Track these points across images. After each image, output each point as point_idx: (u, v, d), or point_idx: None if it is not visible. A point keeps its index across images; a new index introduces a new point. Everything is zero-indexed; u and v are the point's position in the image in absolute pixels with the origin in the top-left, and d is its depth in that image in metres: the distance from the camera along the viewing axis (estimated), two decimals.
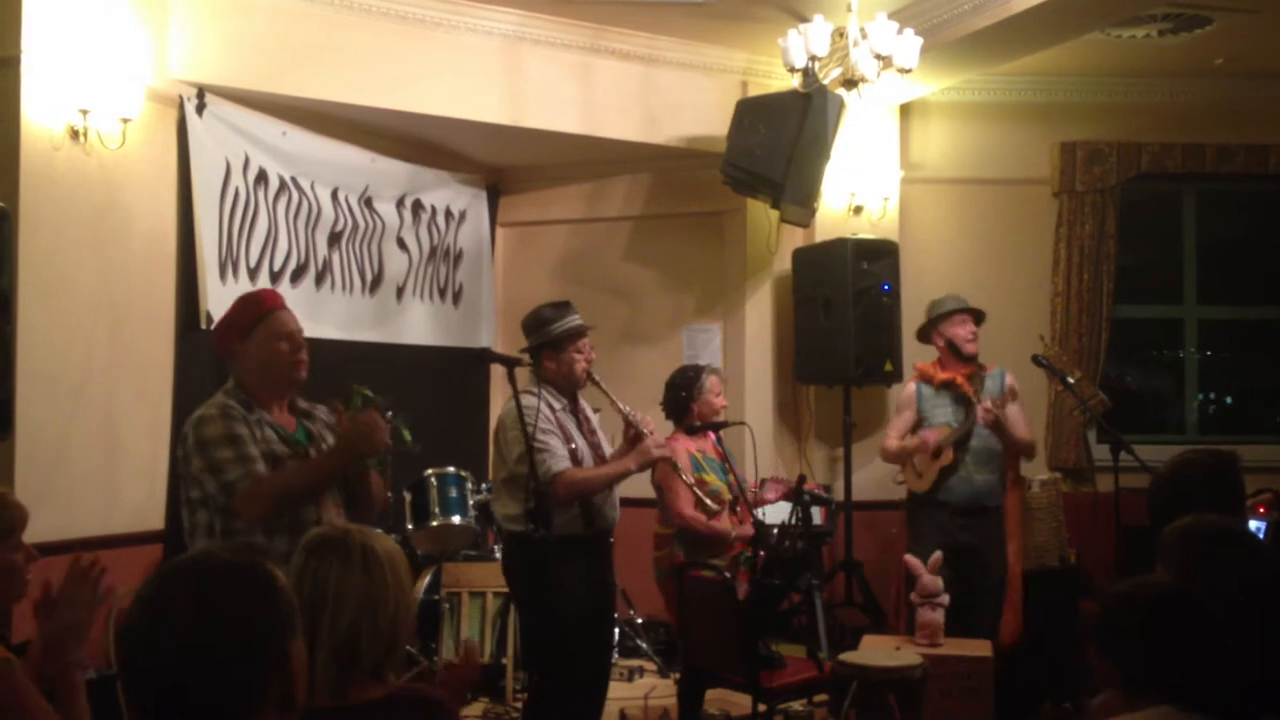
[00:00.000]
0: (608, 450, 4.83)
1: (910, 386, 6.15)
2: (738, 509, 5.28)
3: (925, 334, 6.13)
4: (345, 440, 3.73)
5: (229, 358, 3.91)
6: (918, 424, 6.04)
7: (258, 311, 3.82)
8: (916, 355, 6.45)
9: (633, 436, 4.71)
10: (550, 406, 4.65)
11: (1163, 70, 7.38)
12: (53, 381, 5.15)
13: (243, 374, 3.81)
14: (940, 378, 5.99)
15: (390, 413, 3.89)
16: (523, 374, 4.59)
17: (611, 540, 4.91)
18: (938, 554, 5.22)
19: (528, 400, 4.49)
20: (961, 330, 5.96)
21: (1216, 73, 7.34)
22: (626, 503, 4.91)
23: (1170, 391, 8.21)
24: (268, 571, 1.68)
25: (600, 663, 4.85)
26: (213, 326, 3.86)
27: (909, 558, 5.28)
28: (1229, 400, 8.45)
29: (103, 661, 5.08)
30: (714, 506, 4.92)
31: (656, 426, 4.89)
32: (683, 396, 5.43)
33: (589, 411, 4.91)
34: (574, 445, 4.66)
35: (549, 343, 4.72)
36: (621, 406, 4.74)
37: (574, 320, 4.75)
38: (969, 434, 5.83)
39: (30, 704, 2.54)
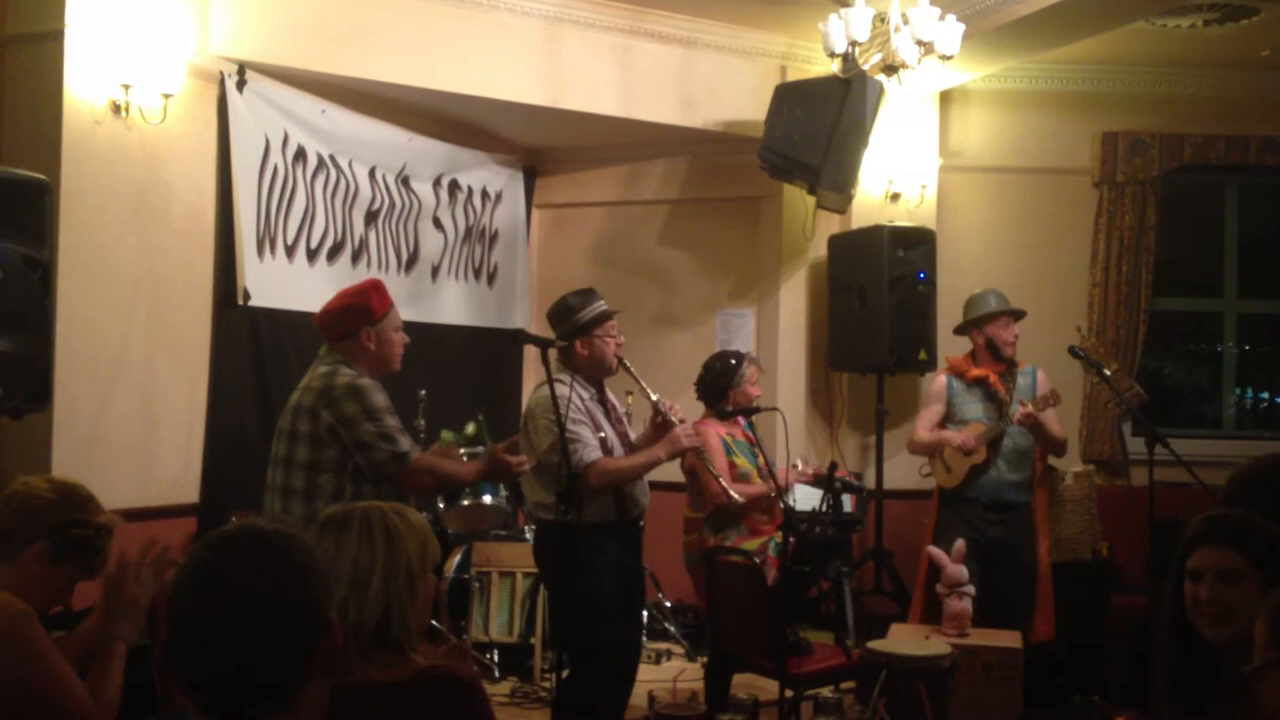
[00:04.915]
0: (630, 437, 4.83)
1: (940, 379, 6.11)
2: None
3: (965, 330, 6.09)
4: (493, 470, 4.26)
5: (342, 338, 4.16)
6: (946, 417, 6.01)
7: (388, 303, 4.21)
8: (951, 344, 6.41)
9: (660, 423, 4.69)
10: (580, 395, 4.64)
11: (1207, 61, 7.29)
12: (91, 354, 5.20)
13: (359, 355, 4.12)
14: (973, 374, 5.95)
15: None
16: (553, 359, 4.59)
17: (641, 525, 4.92)
18: (960, 543, 5.20)
19: (560, 389, 4.42)
20: (1004, 333, 5.91)
21: (1262, 64, 7.25)
22: (657, 487, 4.92)
23: (1208, 386, 8.14)
24: (307, 542, 1.71)
25: (631, 646, 4.86)
26: (333, 306, 4.25)
27: (932, 549, 5.27)
28: (1266, 395, 8.37)
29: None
30: (739, 499, 4.91)
31: (686, 410, 4.88)
32: (721, 382, 5.41)
33: (615, 400, 4.91)
34: (603, 434, 4.65)
35: (578, 329, 4.69)
36: (650, 393, 4.73)
37: (600, 305, 4.73)
38: (1003, 433, 5.80)
39: (45, 657, 2.57)
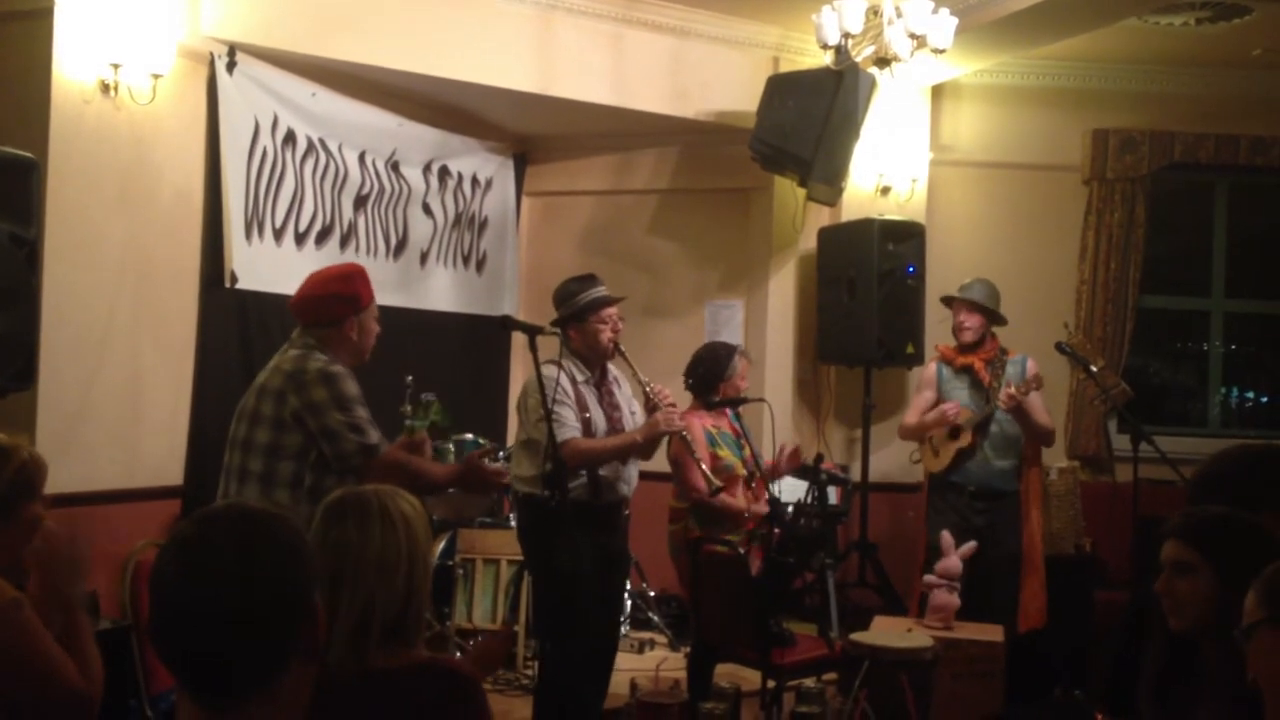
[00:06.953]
0: (632, 423, 4.84)
1: (931, 366, 6.18)
2: (753, 485, 5.27)
3: (948, 303, 6.20)
4: (469, 477, 4.26)
5: (324, 324, 4.01)
6: (936, 403, 6.05)
7: (371, 291, 4.10)
8: (939, 338, 6.44)
9: (652, 409, 4.73)
10: (571, 379, 4.67)
11: (1199, 60, 7.30)
12: (77, 334, 5.18)
13: (338, 342, 4.00)
14: (960, 361, 6.00)
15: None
16: (550, 344, 4.59)
17: (626, 513, 4.94)
18: (972, 544, 5.25)
19: (548, 370, 4.51)
20: (955, 319, 6.04)
21: (1253, 64, 7.26)
22: (643, 476, 4.92)
23: (1194, 384, 8.16)
24: (295, 523, 1.70)
25: (607, 630, 4.88)
26: (318, 291, 4.09)
27: (945, 534, 5.29)
28: (1252, 395, 8.40)
29: (115, 612, 5.14)
30: (717, 483, 4.91)
31: (675, 398, 4.88)
32: (712, 373, 5.40)
33: (615, 385, 4.91)
34: (588, 415, 4.68)
35: (574, 315, 4.73)
36: (642, 379, 4.74)
37: (598, 291, 4.75)
38: (989, 418, 5.84)
39: (39, 642, 2.56)
